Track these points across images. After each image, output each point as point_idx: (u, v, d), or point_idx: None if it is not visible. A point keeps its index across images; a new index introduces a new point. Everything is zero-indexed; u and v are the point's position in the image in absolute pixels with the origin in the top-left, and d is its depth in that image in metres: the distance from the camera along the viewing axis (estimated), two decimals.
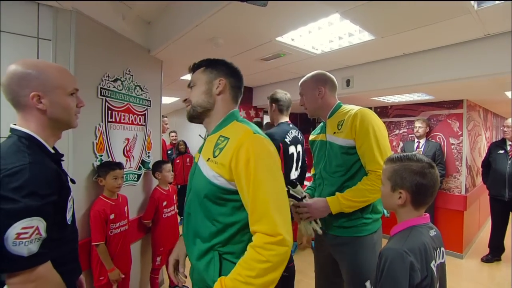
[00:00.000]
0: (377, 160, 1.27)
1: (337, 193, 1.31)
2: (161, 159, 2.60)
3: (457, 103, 3.45)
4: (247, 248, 0.80)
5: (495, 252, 3.26)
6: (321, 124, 1.57)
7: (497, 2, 1.56)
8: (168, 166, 2.44)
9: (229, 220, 0.88)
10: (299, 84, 1.54)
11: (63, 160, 0.95)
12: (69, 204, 0.88)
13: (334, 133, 1.40)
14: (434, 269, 0.88)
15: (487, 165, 3.35)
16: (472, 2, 1.57)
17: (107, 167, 1.82)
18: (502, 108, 4.44)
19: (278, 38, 2.16)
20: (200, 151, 1.02)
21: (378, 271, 0.87)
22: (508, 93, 3.01)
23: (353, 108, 1.39)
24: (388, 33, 2.06)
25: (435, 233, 0.97)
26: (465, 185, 3.42)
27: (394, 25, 1.92)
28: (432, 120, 3.66)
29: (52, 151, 0.89)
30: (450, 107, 3.51)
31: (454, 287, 2.70)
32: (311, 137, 1.64)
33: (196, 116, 1.01)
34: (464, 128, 3.40)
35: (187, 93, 1.03)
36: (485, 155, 3.45)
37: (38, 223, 0.73)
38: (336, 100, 1.50)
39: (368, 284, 1.29)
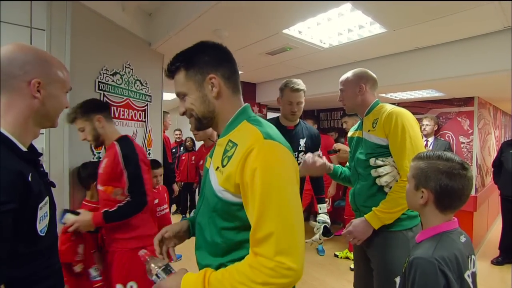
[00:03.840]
0: (404, 166, 1.26)
1: (373, 209, 1.32)
2: (162, 157, 2.51)
3: (467, 101, 3.34)
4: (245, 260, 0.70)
5: (506, 254, 3.16)
6: (359, 121, 1.61)
7: None
8: (160, 170, 2.26)
9: (238, 237, 0.78)
10: (340, 80, 1.54)
11: (39, 160, 0.82)
12: (41, 212, 0.74)
13: (369, 130, 1.42)
14: (469, 280, 0.79)
15: (499, 164, 3.25)
16: None
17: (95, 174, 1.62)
18: (510, 106, 4.32)
19: (285, 31, 2.06)
20: (211, 155, 0.90)
21: (407, 280, 0.79)
22: None
23: (388, 107, 1.40)
24: (401, 26, 1.95)
25: (465, 239, 0.89)
26: (475, 185, 3.32)
27: (409, 16, 1.81)
28: (441, 118, 3.54)
29: (24, 149, 0.76)
30: (460, 105, 3.40)
31: None
32: (349, 134, 1.67)
33: (204, 127, 0.88)
34: (475, 127, 3.29)
35: (180, 105, 0.87)
36: (496, 154, 3.35)
37: None
38: (375, 98, 1.51)
39: (398, 280, 1.22)
